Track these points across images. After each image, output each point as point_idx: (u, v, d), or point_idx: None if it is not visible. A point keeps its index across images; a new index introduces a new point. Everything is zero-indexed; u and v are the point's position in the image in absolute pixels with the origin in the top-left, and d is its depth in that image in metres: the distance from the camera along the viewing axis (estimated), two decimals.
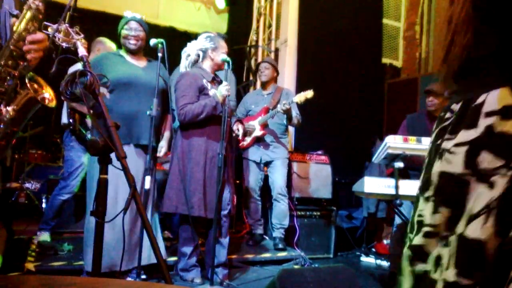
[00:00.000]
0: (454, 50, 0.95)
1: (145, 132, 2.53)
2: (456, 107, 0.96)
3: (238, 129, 2.90)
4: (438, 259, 0.89)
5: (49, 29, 1.28)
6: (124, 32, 2.59)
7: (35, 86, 1.28)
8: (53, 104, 1.32)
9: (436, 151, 0.96)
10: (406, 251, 0.98)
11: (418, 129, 3.34)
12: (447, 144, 0.93)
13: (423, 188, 0.98)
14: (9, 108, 1.24)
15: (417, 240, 0.95)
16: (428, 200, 0.94)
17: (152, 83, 2.56)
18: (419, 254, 0.94)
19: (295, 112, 3.72)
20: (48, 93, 1.31)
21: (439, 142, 0.97)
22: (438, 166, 0.93)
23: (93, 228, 2.28)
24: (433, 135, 1.01)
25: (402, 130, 3.49)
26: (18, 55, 1.25)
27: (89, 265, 2.35)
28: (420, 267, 0.93)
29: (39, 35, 1.27)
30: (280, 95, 3.92)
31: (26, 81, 1.24)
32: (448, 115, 0.98)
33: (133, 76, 2.53)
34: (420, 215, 0.96)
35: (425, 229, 0.93)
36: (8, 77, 1.24)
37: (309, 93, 3.51)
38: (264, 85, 4.05)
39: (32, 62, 1.27)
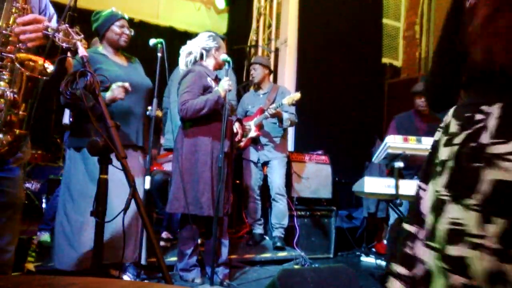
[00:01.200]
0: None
1: (135, 132, 2.48)
2: (490, 109, 0.90)
3: (237, 129, 2.91)
4: (498, 275, 0.81)
5: (49, 29, 1.27)
6: (116, 29, 2.51)
7: (31, 63, 1.21)
8: (53, 70, 1.26)
9: (473, 156, 0.89)
10: (437, 261, 0.91)
11: (407, 129, 3.36)
12: (496, 149, 0.86)
13: (459, 195, 0.90)
14: (8, 92, 1.19)
15: (457, 251, 0.87)
16: (471, 209, 0.87)
17: (140, 83, 2.52)
18: (459, 267, 0.86)
19: (287, 114, 3.69)
20: (47, 64, 1.24)
21: (473, 145, 0.90)
22: (492, 174, 0.85)
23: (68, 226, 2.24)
24: (460, 137, 0.93)
25: (391, 131, 3.51)
26: (14, 40, 1.21)
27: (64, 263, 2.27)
28: (459, 280, 0.86)
29: (29, 16, 1.22)
30: (275, 94, 3.91)
31: (17, 64, 1.18)
32: (479, 116, 0.92)
33: (127, 77, 2.44)
34: (456, 223, 0.89)
35: (471, 240, 0.85)
36: (9, 64, 1.20)
37: (296, 96, 3.51)
38: (258, 86, 4.03)
39: (30, 44, 1.21)
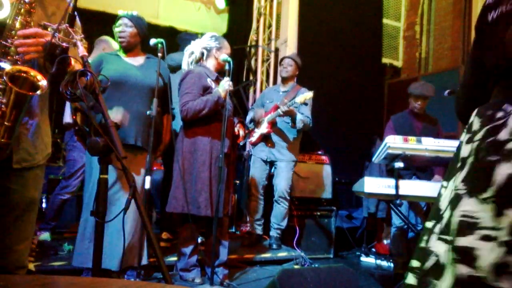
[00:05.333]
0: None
1: (133, 132, 2.45)
2: (510, 108, 0.96)
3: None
4: (504, 267, 0.85)
5: (49, 29, 1.27)
6: (116, 30, 2.55)
7: (22, 75, 1.20)
8: (46, 86, 1.23)
9: (490, 150, 0.94)
10: (448, 253, 0.95)
11: (404, 129, 3.38)
12: None
13: (475, 189, 0.94)
14: None
15: (466, 242, 0.91)
16: (486, 202, 0.91)
17: (146, 82, 2.50)
18: (467, 257, 0.90)
19: (301, 115, 3.62)
20: (39, 77, 1.22)
21: (491, 140, 0.95)
22: (508, 168, 0.89)
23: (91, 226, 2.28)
24: (480, 133, 0.99)
25: (389, 131, 3.52)
26: (13, 52, 1.21)
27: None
28: (465, 270, 0.90)
29: (31, 29, 1.22)
30: (295, 95, 3.82)
31: (5, 78, 1.17)
32: (500, 114, 0.97)
33: (124, 75, 2.45)
34: (468, 216, 0.93)
35: (482, 232, 0.89)
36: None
37: (308, 94, 3.49)
38: (283, 81, 3.96)
39: (27, 56, 1.21)
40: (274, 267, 3.36)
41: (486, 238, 0.88)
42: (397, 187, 2.61)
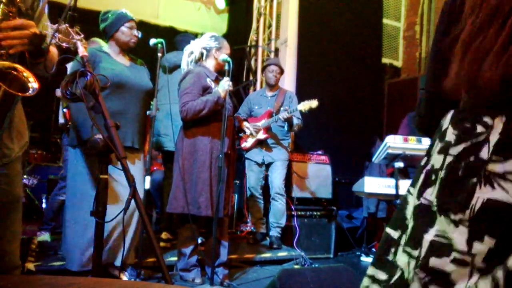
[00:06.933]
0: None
1: (131, 134, 2.46)
2: (492, 121, 0.86)
3: (248, 127, 2.88)
4: None
5: (49, 29, 1.26)
6: (127, 30, 2.50)
7: (13, 72, 1.12)
8: (36, 89, 1.15)
9: (470, 171, 0.85)
10: (417, 271, 0.88)
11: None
12: (497, 168, 0.82)
13: (446, 208, 0.87)
14: None
15: (439, 263, 0.85)
16: (459, 224, 0.84)
17: (140, 83, 2.51)
18: (441, 280, 0.85)
19: (296, 119, 3.73)
20: (32, 79, 1.14)
21: (471, 160, 0.86)
22: (487, 192, 0.82)
23: (79, 223, 2.26)
24: (457, 149, 0.89)
25: (403, 128, 3.52)
26: None
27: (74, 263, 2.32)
28: None
29: (17, 21, 1.15)
30: (283, 98, 3.92)
31: None
32: (480, 129, 0.87)
33: (124, 76, 2.44)
34: (442, 236, 0.87)
35: (456, 255, 0.84)
36: None
37: (313, 103, 3.49)
38: (271, 88, 4.03)
39: (11, 50, 1.14)
40: (274, 267, 3.36)
41: (459, 262, 0.83)
42: (397, 187, 2.62)
